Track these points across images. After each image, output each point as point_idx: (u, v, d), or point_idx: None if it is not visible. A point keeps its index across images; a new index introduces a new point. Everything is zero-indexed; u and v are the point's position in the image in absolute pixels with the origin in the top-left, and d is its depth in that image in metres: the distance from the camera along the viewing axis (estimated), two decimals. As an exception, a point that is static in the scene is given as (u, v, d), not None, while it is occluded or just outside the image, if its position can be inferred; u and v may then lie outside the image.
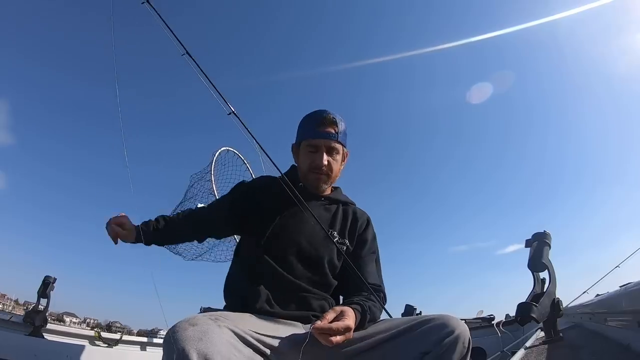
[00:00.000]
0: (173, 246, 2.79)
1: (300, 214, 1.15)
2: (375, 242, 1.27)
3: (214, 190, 2.79)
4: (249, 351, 0.81)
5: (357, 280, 1.09)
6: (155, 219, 1.24)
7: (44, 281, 2.68)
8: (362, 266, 1.16)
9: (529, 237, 2.75)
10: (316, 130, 1.18)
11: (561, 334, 2.45)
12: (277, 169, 1.15)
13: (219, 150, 3.09)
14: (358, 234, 1.23)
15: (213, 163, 2.92)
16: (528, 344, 2.44)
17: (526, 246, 2.71)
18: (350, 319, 0.89)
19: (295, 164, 1.30)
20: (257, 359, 0.83)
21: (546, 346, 2.30)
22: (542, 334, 2.66)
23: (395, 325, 0.98)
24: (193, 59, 1.20)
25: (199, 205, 1.20)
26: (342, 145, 1.22)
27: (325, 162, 1.17)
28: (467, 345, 0.90)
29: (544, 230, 2.70)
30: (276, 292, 1.05)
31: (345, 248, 1.17)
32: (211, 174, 2.86)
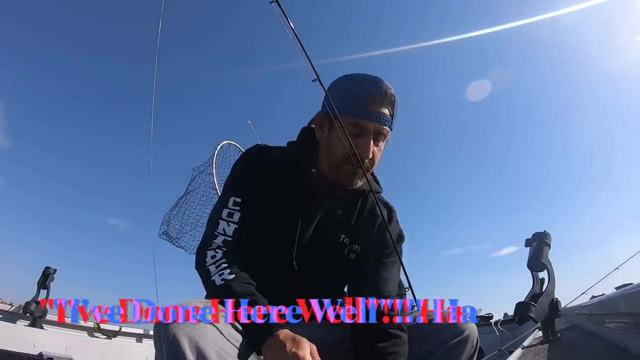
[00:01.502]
0: (176, 239, 2.80)
1: (308, 210, 0.95)
2: (400, 242, 1.05)
3: (215, 185, 2.79)
4: (245, 342, 0.75)
5: (370, 291, 0.93)
6: (254, 300, 0.82)
7: (44, 272, 2.69)
8: (377, 272, 0.97)
9: (525, 237, 2.76)
10: (368, 108, 0.89)
11: (559, 334, 2.45)
12: (356, 156, 0.86)
13: (221, 144, 3.08)
14: (376, 233, 1.01)
15: (215, 156, 2.92)
16: (526, 343, 2.45)
17: (526, 246, 2.72)
18: None
19: (305, 140, 1.00)
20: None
21: (544, 346, 2.31)
22: (540, 333, 2.67)
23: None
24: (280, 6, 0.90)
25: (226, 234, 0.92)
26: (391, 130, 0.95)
27: (371, 154, 0.90)
28: (475, 345, 0.89)
29: (544, 230, 2.70)
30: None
31: (354, 256, 0.98)
32: (213, 167, 2.86)
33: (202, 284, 0.89)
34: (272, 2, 0.94)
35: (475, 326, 0.91)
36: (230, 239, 0.89)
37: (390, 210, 1.06)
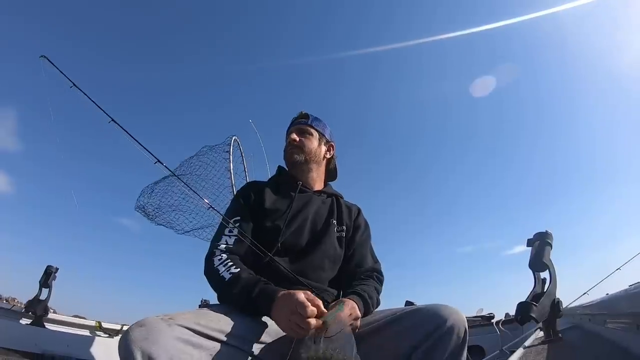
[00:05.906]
0: (166, 217, 2.88)
1: (301, 210, 1.23)
2: (368, 227, 1.38)
3: (230, 169, 3.05)
4: (212, 344, 0.82)
5: (353, 265, 1.22)
6: (257, 280, 1.00)
7: (46, 271, 2.70)
8: (359, 249, 1.27)
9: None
10: (291, 123, 1.41)
11: (560, 334, 2.44)
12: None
13: (234, 137, 3.32)
14: (353, 220, 1.34)
15: (231, 145, 3.15)
16: (527, 343, 2.44)
17: (528, 245, 2.70)
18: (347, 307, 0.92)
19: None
20: (228, 351, 0.85)
21: (545, 346, 2.30)
22: (541, 333, 2.66)
23: (381, 317, 0.94)
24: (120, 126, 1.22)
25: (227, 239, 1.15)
26: (313, 128, 1.37)
27: (295, 137, 1.33)
28: (462, 337, 0.83)
29: (546, 230, 2.69)
30: None
31: (344, 234, 1.27)
32: (230, 153, 3.12)
33: (211, 288, 1.05)
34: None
35: (462, 317, 0.85)
36: (232, 246, 1.10)
37: (357, 206, 1.42)
